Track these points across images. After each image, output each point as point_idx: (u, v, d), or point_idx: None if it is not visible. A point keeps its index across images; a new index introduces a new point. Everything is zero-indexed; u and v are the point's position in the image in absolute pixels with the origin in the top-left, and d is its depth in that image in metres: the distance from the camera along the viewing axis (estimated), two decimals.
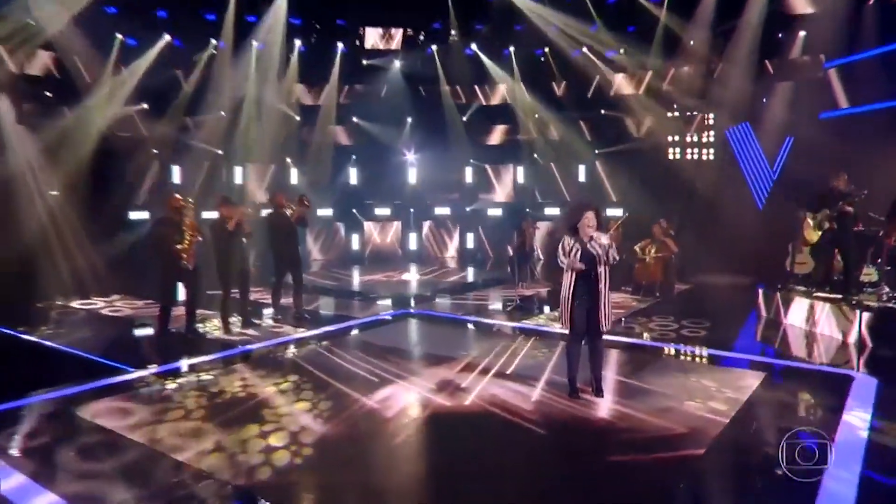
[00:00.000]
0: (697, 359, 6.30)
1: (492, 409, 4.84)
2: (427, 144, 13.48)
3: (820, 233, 8.02)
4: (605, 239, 4.80)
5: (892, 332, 6.66)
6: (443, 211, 14.07)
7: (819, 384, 5.70)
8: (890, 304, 7.21)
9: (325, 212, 13.18)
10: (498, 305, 8.82)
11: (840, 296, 7.72)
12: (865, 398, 5.02)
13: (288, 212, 7.46)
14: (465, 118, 13.43)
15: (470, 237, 14.16)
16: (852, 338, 6.96)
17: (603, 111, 12.98)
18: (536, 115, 13.34)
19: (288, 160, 12.53)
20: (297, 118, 12.58)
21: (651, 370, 5.85)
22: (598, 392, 5.04)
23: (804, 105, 11.15)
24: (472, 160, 13.63)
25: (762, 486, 3.46)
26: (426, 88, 13.12)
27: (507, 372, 5.63)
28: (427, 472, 3.91)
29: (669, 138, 12.60)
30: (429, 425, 4.46)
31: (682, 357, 6.37)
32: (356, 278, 10.82)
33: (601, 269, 4.75)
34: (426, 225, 13.94)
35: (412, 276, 11.42)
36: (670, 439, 4.28)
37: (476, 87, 13.44)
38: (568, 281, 4.80)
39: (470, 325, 7.58)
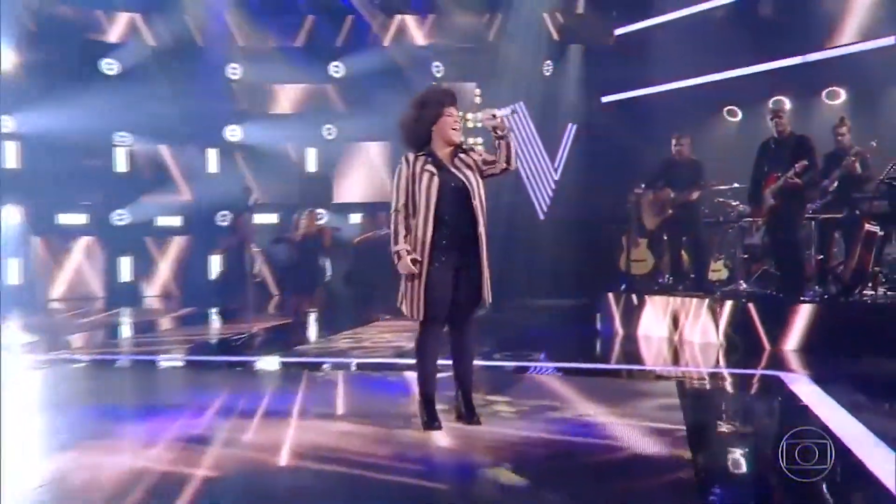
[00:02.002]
0: (569, 374, 6.39)
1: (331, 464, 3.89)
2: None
3: (660, 219, 8.60)
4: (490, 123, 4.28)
5: (777, 327, 7.09)
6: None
7: (744, 387, 6.12)
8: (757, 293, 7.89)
9: None
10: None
11: (702, 293, 8.09)
12: (818, 394, 5.28)
13: None
14: None
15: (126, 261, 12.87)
16: (723, 338, 7.50)
17: None
18: None
19: None
20: None
21: (517, 390, 5.60)
22: (472, 415, 4.41)
23: (593, 80, 12.18)
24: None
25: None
26: None
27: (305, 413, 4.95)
28: None
29: None
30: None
31: (552, 375, 6.51)
32: None
33: (476, 204, 4.17)
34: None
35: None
36: (648, 461, 3.88)
37: None
38: (420, 230, 4.15)
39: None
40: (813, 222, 7.82)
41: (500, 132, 4.24)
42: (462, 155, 4.29)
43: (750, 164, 8.28)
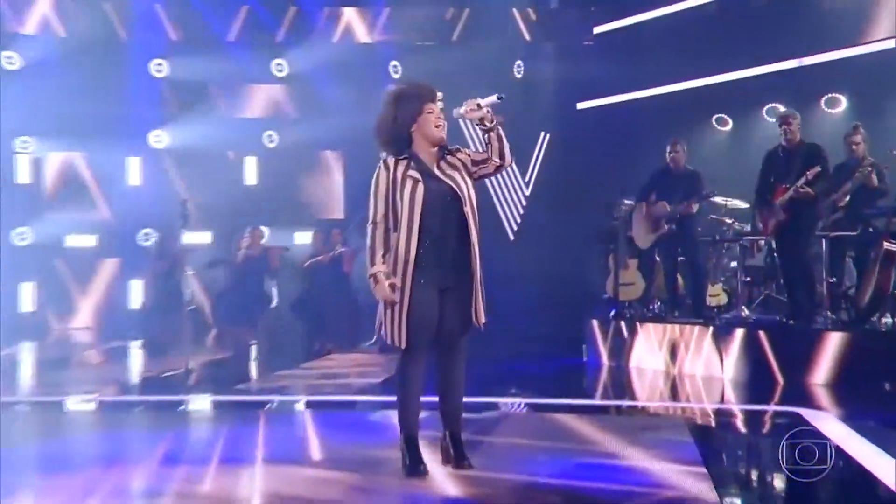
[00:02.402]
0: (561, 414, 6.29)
1: None
2: None
3: (655, 236, 8.63)
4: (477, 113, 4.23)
5: (789, 358, 7.16)
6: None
7: (761, 424, 6.22)
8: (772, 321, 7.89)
9: None
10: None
11: (701, 320, 8.16)
12: (844, 431, 5.33)
13: None
14: None
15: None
16: (729, 370, 7.54)
17: None
18: None
19: None
20: None
21: (512, 429, 5.66)
22: (462, 458, 4.30)
23: (569, 84, 12.27)
24: None
25: None
26: None
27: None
28: None
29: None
30: None
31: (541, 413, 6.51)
32: None
33: (468, 211, 4.14)
34: None
35: None
36: None
37: None
38: (403, 246, 4.11)
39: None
40: (823, 241, 7.90)
41: (487, 124, 4.20)
42: (448, 157, 4.26)
43: (743, 178, 8.58)
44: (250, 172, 13.22)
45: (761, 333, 7.35)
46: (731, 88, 11.02)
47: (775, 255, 8.80)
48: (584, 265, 11.10)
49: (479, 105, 4.17)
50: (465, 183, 4.19)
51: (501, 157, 4.23)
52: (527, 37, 13.05)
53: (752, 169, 8.82)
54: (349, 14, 13.16)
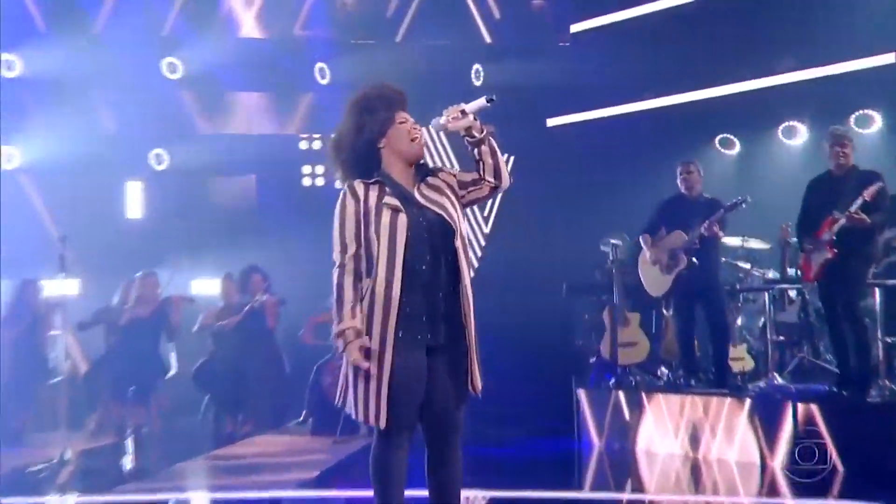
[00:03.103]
0: None
1: None
2: None
3: (672, 277, 8.50)
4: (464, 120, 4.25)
5: (849, 439, 7.11)
6: None
7: None
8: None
9: None
10: None
11: (726, 390, 8.15)
12: None
13: None
14: None
15: None
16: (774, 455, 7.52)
17: None
18: None
19: None
20: None
21: None
22: None
23: (538, 95, 12.27)
24: None
25: None
26: None
27: None
28: None
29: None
30: None
31: None
32: None
33: (459, 246, 4.17)
34: None
35: None
36: None
37: None
38: (382, 293, 4.09)
39: None
40: (877, 290, 7.92)
41: (475, 134, 4.20)
42: (429, 178, 4.27)
43: (759, 212, 8.66)
44: (133, 201, 12.95)
45: (812, 407, 7.29)
46: (739, 102, 11.13)
47: (808, 308, 9.05)
48: (564, 319, 11.10)
49: (463, 112, 4.18)
50: (456, 210, 4.20)
51: (497, 175, 4.24)
52: (487, 38, 13.15)
53: (768, 201, 9.18)
54: (262, 2, 13.01)
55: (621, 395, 8.56)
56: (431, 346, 4.13)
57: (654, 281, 8.75)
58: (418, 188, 4.22)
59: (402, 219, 4.08)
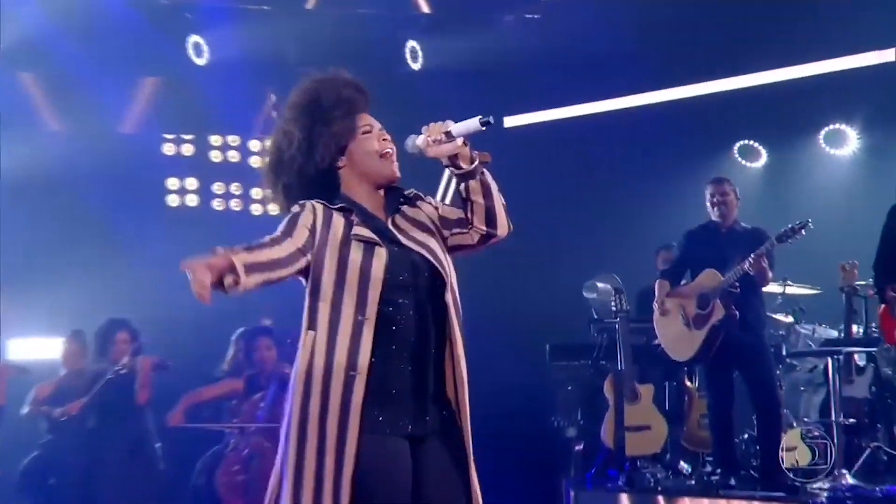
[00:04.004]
0: None
1: None
2: None
3: (703, 334, 8.52)
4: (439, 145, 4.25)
5: None
6: None
7: None
8: None
9: None
10: None
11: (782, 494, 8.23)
12: None
13: None
14: None
15: None
16: None
17: None
18: None
19: None
20: None
21: None
22: None
23: (494, 85, 12.53)
24: None
25: None
26: None
27: None
28: None
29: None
30: None
31: None
32: None
33: (450, 301, 4.29)
34: None
35: None
36: None
37: None
38: (344, 358, 4.17)
39: None
40: None
41: (463, 165, 4.22)
42: (405, 207, 4.37)
43: (801, 248, 8.55)
44: None
45: None
46: (766, 98, 11.19)
47: (881, 380, 9.08)
48: (542, 389, 11.04)
49: (449, 133, 4.18)
50: (445, 254, 4.30)
51: (490, 221, 4.30)
52: (425, 6, 13.22)
53: (810, 232, 8.93)
54: None
55: (631, 499, 8.63)
56: (418, 437, 4.17)
57: (677, 339, 8.75)
58: (393, 221, 4.29)
59: (383, 256, 4.09)
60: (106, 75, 12.71)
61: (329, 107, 4.31)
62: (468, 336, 12.07)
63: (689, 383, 9.22)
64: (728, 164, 11.80)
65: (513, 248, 11.78)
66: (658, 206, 10.93)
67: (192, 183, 13.01)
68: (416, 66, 12.95)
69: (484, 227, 4.30)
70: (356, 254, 4.15)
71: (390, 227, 4.30)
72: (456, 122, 4.07)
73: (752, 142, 11.77)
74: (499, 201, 4.34)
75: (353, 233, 4.18)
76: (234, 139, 14.17)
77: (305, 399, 4.11)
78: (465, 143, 4.24)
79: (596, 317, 10.34)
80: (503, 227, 4.33)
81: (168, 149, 13.13)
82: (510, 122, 12.62)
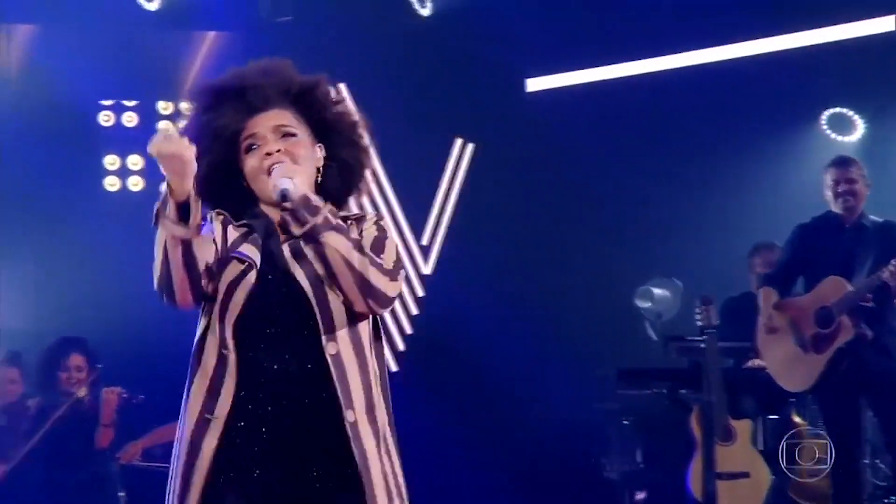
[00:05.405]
0: None
1: None
2: None
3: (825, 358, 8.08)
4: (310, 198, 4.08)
5: None
6: None
7: None
8: None
9: None
10: None
11: None
12: None
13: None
14: None
15: None
16: None
17: None
18: None
19: None
20: None
21: None
22: None
23: (511, 45, 12.01)
24: None
25: None
26: None
27: None
28: None
29: None
30: None
31: None
32: None
33: (330, 352, 4.00)
34: None
35: None
36: None
37: None
38: (198, 397, 4.11)
39: None
40: None
41: (290, 224, 4.10)
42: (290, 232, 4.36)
43: None
44: None
45: None
46: (863, 55, 10.45)
47: None
48: (580, 426, 10.72)
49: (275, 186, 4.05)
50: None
51: (350, 293, 4.03)
52: None
53: None
54: None
55: None
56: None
57: (789, 365, 8.29)
58: (290, 242, 4.26)
59: (250, 276, 3.99)
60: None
61: (220, 115, 4.13)
62: (481, 353, 11.44)
63: (797, 418, 8.67)
64: (814, 139, 11.19)
65: (534, 241, 12.08)
66: (726, 193, 10.63)
67: (136, 162, 12.00)
68: (424, 14, 11.99)
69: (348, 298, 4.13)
70: (228, 273, 4.14)
71: (286, 249, 4.27)
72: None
73: (845, 110, 10.95)
74: (348, 275, 3.98)
75: (238, 249, 4.17)
76: (188, 107, 12.58)
77: (182, 468, 3.99)
78: (285, 190, 4.01)
79: (650, 331, 10.13)
80: (380, 297, 3.98)
81: (103, 118, 12.20)
82: (534, 84, 11.98)
